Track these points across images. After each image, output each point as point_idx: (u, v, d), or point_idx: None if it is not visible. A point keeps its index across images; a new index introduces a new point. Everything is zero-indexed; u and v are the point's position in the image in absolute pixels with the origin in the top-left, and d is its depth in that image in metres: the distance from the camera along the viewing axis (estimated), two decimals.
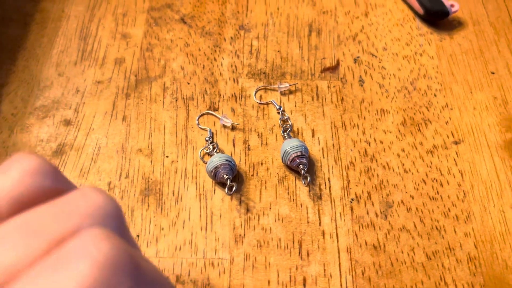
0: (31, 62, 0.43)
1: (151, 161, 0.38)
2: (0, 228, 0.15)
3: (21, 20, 0.46)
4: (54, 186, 0.17)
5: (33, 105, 0.41)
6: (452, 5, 0.45)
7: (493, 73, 0.43)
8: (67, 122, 0.40)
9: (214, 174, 0.36)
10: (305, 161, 0.36)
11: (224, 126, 0.40)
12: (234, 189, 0.35)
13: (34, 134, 0.39)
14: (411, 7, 0.47)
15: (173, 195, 0.37)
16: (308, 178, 0.35)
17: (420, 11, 0.45)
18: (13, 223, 0.15)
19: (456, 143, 0.39)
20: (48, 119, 0.40)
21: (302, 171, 0.36)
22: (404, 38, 0.45)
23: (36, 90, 0.42)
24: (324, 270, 0.34)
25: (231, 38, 0.45)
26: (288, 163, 0.36)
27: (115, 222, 0.16)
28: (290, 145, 0.36)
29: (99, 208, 0.16)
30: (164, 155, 0.38)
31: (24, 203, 0.16)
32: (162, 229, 0.35)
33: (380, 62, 0.44)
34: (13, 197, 0.16)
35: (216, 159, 0.36)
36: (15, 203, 0.16)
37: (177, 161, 0.38)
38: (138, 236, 0.35)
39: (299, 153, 0.36)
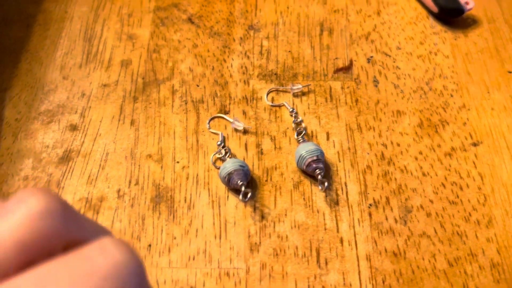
0: (34, 65, 0.42)
1: (162, 167, 0.37)
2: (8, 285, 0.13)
3: (23, 21, 0.45)
4: (66, 230, 0.15)
5: (37, 110, 0.40)
6: (467, 3, 0.44)
7: (510, 72, 0.42)
8: (73, 127, 0.39)
9: (228, 181, 0.34)
10: (321, 165, 0.35)
11: (236, 130, 0.39)
12: (249, 196, 0.34)
13: (39, 140, 0.38)
14: (424, 5, 0.46)
15: (185, 202, 0.35)
16: (326, 183, 0.34)
17: (434, 9, 0.44)
18: (23, 282, 0.13)
19: (474, 145, 0.38)
20: (54, 124, 0.39)
21: (319, 176, 0.35)
22: (418, 37, 0.44)
23: (40, 94, 0.40)
24: (344, 279, 0.33)
25: (241, 38, 0.44)
26: (304, 167, 0.35)
27: (137, 280, 0.15)
28: (306, 149, 0.35)
29: (120, 267, 0.14)
30: (174, 160, 0.37)
31: (33, 252, 0.14)
32: (175, 238, 0.34)
33: (394, 62, 0.42)
34: (18, 244, 0.14)
35: (229, 165, 0.35)
36: (21, 252, 0.14)
37: (189, 166, 0.37)
38: (150, 245, 0.34)
39: (315, 158, 0.35)
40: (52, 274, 0.13)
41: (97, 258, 0.14)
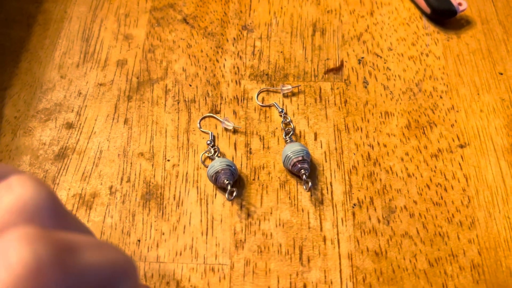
0: (34, 64, 0.43)
1: (153, 165, 0.38)
2: None
3: (24, 21, 0.46)
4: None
5: (36, 108, 0.41)
6: (460, 4, 0.44)
7: (502, 74, 0.42)
8: (69, 125, 0.40)
9: (215, 179, 0.35)
10: (306, 166, 0.36)
11: (226, 129, 0.40)
12: (234, 194, 0.35)
13: (36, 137, 0.40)
14: (418, 6, 0.46)
15: (174, 199, 0.37)
16: (310, 183, 0.35)
17: (427, 10, 0.44)
18: None
19: (461, 146, 0.39)
20: (51, 122, 0.40)
21: (304, 176, 0.35)
22: (410, 38, 0.44)
23: (38, 92, 0.42)
24: (325, 276, 0.34)
25: (234, 38, 0.45)
26: (290, 167, 0.36)
27: (47, 213, 0.15)
28: (292, 149, 0.36)
29: (27, 201, 0.15)
30: (165, 158, 0.38)
31: None
32: (163, 234, 0.35)
33: (385, 63, 0.43)
34: None
35: (217, 164, 0.36)
36: None
37: (179, 165, 0.38)
38: (139, 240, 0.35)
39: (300, 158, 0.36)
40: None
41: (2, 195, 0.15)
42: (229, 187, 0.35)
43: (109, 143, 0.39)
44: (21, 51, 0.44)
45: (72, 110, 0.41)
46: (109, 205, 0.36)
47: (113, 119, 0.40)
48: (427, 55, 0.43)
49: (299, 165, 0.36)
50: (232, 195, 0.35)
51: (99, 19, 0.46)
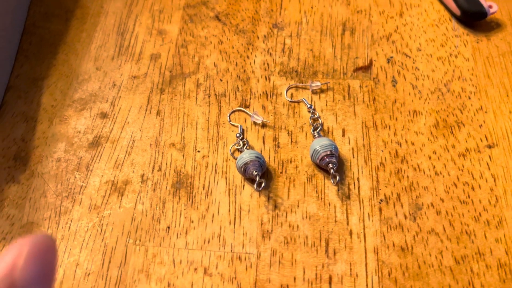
0: (71, 56, 0.45)
1: (183, 155, 0.39)
2: None
3: (62, 15, 0.48)
4: None
5: (72, 98, 0.43)
6: (490, 6, 0.44)
7: None
8: (104, 115, 0.41)
9: (244, 170, 0.36)
10: (334, 160, 0.36)
11: (255, 123, 0.40)
12: (263, 185, 0.35)
13: (71, 125, 0.41)
14: (447, 8, 0.46)
15: (203, 189, 0.37)
16: (337, 177, 0.35)
17: (457, 12, 0.45)
18: None
19: (489, 147, 0.39)
20: (86, 111, 0.42)
21: (331, 170, 0.36)
22: (439, 39, 0.45)
23: (74, 83, 0.43)
24: (350, 269, 0.34)
25: (264, 36, 0.46)
26: (318, 161, 0.37)
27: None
28: (320, 143, 0.37)
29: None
30: (195, 149, 0.39)
31: None
32: (192, 222, 0.36)
33: (414, 63, 0.43)
34: None
35: (246, 156, 0.36)
36: None
37: (208, 156, 0.39)
38: (168, 227, 0.36)
39: (328, 152, 0.36)
40: None
41: None
42: (257, 178, 0.36)
43: (141, 133, 0.40)
44: (59, 44, 0.46)
45: (107, 101, 0.42)
46: (141, 192, 0.37)
47: (146, 110, 0.41)
48: (456, 57, 0.44)
49: (327, 159, 0.36)
50: (260, 186, 0.36)
51: (134, 15, 0.48)
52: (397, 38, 0.45)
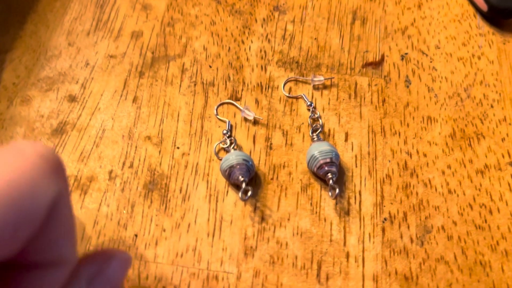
0: (41, 27, 0.39)
1: (160, 151, 0.34)
2: None
3: None
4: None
5: (37, 76, 0.37)
6: None
7: None
8: (72, 98, 0.36)
9: (228, 174, 0.31)
10: (334, 169, 0.31)
11: (245, 119, 0.35)
12: (249, 194, 0.30)
13: (34, 108, 0.35)
14: (472, 2, 0.41)
15: (180, 192, 0.32)
16: (337, 190, 0.30)
17: (484, 7, 0.39)
18: None
19: None
20: (52, 92, 0.36)
21: (330, 181, 0.31)
22: (461, 37, 0.39)
23: (42, 59, 0.38)
24: None
25: (263, 19, 0.40)
26: (315, 169, 0.32)
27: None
28: (319, 149, 0.31)
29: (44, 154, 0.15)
30: (175, 145, 0.34)
31: None
32: (164, 230, 0.31)
33: (431, 62, 0.38)
34: None
35: (232, 157, 0.31)
36: None
37: (189, 154, 0.34)
38: (136, 235, 0.31)
39: (328, 160, 0.31)
40: None
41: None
42: (243, 185, 0.30)
43: (113, 122, 0.35)
44: (28, 12, 0.40)
45: (77, 82, 0.37)
46: (107, 192, 0.32)
47: (121, 95, 0.36)
48: (479, 58, 0.38)
49: (326, 168, 0.31)
50: (246, 194, 0.30)
51: None
52: (413, 32, 0.39)
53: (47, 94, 0.36)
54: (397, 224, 0.31)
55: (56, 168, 0.15)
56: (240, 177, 0.31)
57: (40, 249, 0.15)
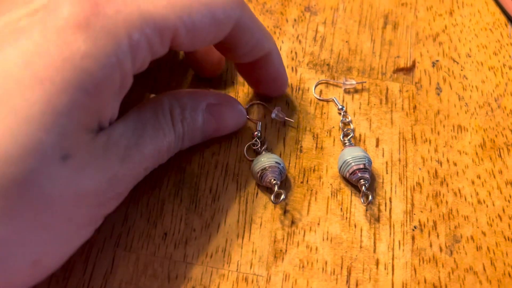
0: None
1: (190, 150, 0.33)
2: None
3: None
4: None
5: None
6: None
7: None
8: None
9: (261, 177, 0.31)
10: (367, 175, 0.31)
11: (276, 121, 0.35)
12: (282, 197, 0.30)
13: None
14: (504, 11, 0.41)
15: (210, 192, 0.32)
16: (370, 197, 0.30)
17: None
18: None
19: None
20: None
21: (363, 187, 0.31)
22: (492, 46, 0.39)
23: None
24: None
25: (294, 20, 0.40)
26: (347, 175, 0.31)
27: None
28: (352, 154, 0.31)
29: None
30: (205, 144, 0.34)
31: None
32: (194, 230, 0.31)
33: (462, 70, 0.38)
34: None
35: (265, 159, 0.31)
36: None
37: (219, 153, 0.33)
38: (165, 234, 0.31)
39: (361, 166, 0.31)
40: None
41: None
42: (276, 188, 0.30)
43: None
44: None
45: None
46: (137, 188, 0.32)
47: None
48: (510, 68, 0.38)
49: (359, 174, 0.31)
50: (279, 197, 0.30)
51: None
52: (445, 39, 0.39)
53: None
54: (427, 233, 0.31)
55: (240, 3, 0.26)
56: (272, 180, 0.30)
57: (240, 42, 0.28)
